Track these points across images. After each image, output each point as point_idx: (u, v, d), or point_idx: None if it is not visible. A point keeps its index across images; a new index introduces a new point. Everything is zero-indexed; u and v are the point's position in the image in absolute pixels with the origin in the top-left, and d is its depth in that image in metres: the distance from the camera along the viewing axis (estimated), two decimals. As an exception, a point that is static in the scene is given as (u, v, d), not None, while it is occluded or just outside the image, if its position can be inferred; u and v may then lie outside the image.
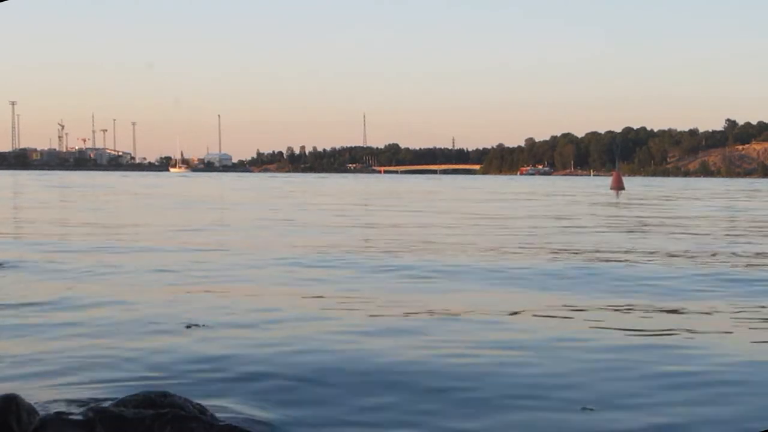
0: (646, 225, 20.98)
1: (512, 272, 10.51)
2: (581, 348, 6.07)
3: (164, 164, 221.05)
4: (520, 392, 4.90)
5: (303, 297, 8.44)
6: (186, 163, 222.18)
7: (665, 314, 7.59)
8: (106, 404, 3.76)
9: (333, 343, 6.19)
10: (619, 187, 56.18)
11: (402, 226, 19.82)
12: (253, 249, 13.59)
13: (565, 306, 7.91)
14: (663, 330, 6.78)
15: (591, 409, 4.55)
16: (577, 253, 12.93)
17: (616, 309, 7.79)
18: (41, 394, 4.60)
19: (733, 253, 13.13)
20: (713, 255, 12.96)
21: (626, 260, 12.06)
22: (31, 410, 3.24)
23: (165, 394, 3.72)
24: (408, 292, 8.82)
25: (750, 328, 6.98)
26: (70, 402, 4.43)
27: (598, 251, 13.34)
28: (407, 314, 7.42)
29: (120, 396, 4.06)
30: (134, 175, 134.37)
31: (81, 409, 3.46)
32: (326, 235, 17.00)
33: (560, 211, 27.86)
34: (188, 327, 6.58)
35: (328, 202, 35.32)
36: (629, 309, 7.79)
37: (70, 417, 3.27)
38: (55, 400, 4.48)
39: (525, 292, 8.98)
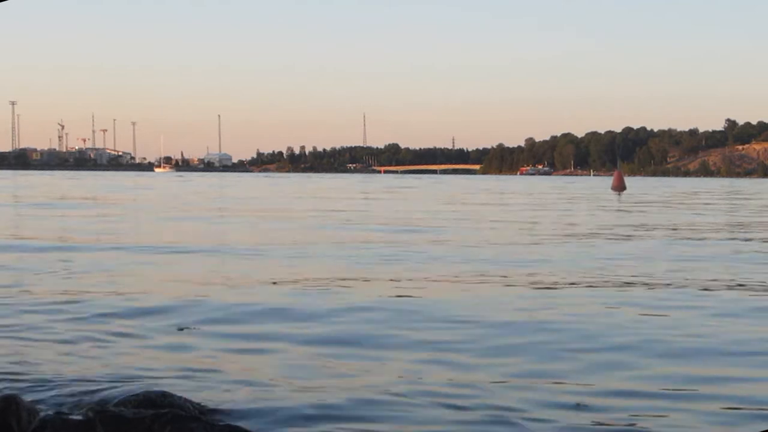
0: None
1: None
2: None
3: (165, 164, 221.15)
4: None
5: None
6: (186, 162, 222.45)
7: None
8: (106, 404, 3.77)
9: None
10: (620, 187, 55.90)
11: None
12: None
13: None
14: None
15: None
16: None
17: None
18: (41, 394, 4.61)
19: None
20: None
21: None
22: (31, 410, 3.25)
23: (165, 394, 3.72)
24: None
25: None
26: (70, 402, 4.43)
27: None
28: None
29: (120, 396, 4.07)
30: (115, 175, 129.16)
31: (81, 409, 3.46)
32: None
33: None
34: (180, 330, 6.64)
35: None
36: None
37: (70, 417, 3.27)
38: (55, 400, 4.49)
39: None
